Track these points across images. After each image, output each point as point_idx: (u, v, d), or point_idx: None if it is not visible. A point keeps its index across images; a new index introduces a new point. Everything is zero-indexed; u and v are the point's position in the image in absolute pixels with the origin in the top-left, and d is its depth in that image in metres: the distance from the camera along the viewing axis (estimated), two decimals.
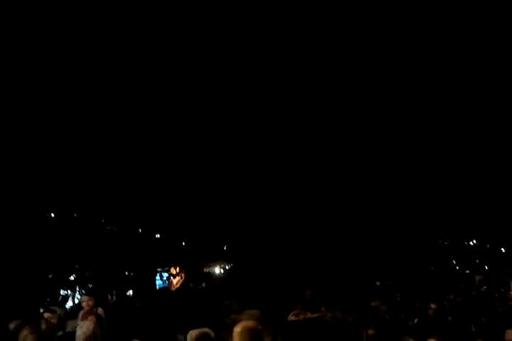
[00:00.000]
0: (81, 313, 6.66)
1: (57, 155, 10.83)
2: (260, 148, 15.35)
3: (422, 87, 13.72)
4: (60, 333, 5.80)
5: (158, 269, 19.14)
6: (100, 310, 6.99)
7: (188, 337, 4.05)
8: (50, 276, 12.53)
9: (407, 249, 19.49)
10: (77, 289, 14.35)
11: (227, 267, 25.87)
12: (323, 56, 12.54)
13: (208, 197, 16.78)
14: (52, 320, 5.81)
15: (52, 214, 12.11)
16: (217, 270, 26.60)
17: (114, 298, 12.07)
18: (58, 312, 6.36)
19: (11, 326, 5.53)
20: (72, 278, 13.75)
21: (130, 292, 14.95)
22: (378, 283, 15.46)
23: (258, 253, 20.09)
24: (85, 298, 7.40)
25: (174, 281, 19.89)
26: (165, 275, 20.14)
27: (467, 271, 23.76)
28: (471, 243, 29.71)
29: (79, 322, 5.87)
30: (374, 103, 14.27)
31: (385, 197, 16.96)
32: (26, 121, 10.20)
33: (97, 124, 11.55)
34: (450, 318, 6.72)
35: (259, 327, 3.66)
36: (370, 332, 4.90)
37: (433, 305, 7.65)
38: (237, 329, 3.63)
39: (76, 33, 9.05)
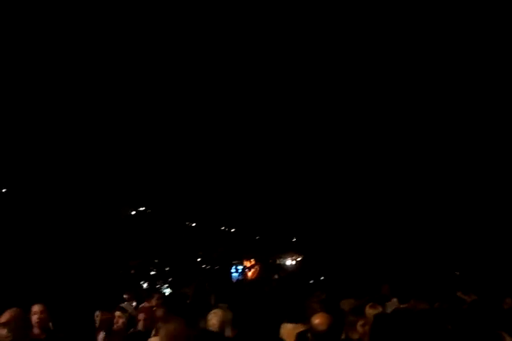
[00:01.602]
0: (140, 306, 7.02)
1: (135, 152, 11.24)
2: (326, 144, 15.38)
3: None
4: (131, 330, 5.94)
5: (234, 262, 19.57)
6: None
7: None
8: (132, 271, 13.10)
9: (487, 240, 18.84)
10: (157, 283, 14.96)
11: (298, 259, 26.05)
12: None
13: (280, 192, 16.93)
14: (120, 320, 5.92)
15: (133, 212, 12.63)
16: (289, 262, 26.86)
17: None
18: (129, 310, 6.37)
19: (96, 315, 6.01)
20: (152, 272, 14.32)
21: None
22: (458, 273, 15.10)
23: (330, 246, 20.05)
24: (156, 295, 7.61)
25: (249, 273, 20.28)
26: (240, 267, 20.58)
27: None
28: None
29: None
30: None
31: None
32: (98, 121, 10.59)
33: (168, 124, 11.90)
34: None
35: None
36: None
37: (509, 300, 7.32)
38: None
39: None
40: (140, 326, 5.68)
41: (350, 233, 18.97)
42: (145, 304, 7.31)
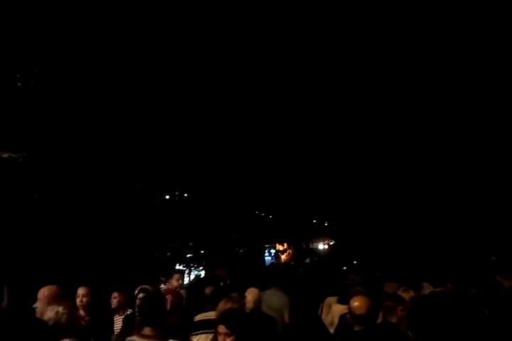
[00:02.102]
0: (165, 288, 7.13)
1: (171, 137, 11.40)
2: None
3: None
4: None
5: (266, 245, 19.76)
6: (183, 291, 7.43)
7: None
8: (168, 254, 13.38)
9: None
10: (193, 265, 15.26)
11: (331, 243, 26.10)
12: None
13: (312, 177, 16.98)
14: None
15: (167, 196, 12.85)
16: (321, 246, 26.96)
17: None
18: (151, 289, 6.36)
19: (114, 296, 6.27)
20: (188, 255, 14.60)
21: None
22: (494, 258, 14.88)
23: (363, 230, 20.01)
24: (177, 275, 7.58)
25: (282, 257, 20.47)
26: (272, 251, 20.79)
27: None
28: None
29: None
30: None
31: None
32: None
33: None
34: None
35: None
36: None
37: None
38: None
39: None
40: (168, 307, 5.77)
41: (382, 216, 18.88)
42: (167, 285, 7.49)
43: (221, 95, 12.33)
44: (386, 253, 17.04)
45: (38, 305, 4.72)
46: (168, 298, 5.99)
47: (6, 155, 8.02)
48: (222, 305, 4.67)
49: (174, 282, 7.32)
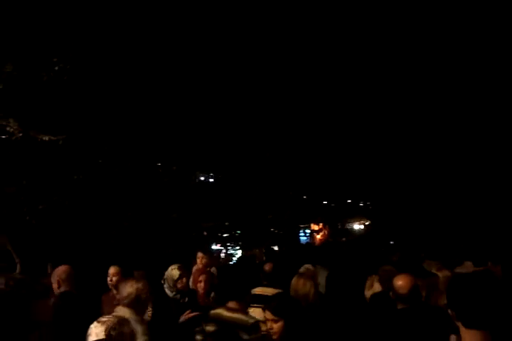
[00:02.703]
0: (193, 270, 6.93)
1: (209, 121, 11.47)
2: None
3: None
4: None
5: (301, 225, 19.82)
6: (213, 269, 7.29)
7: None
8: (205, 233, 13.59)
9: None
10: (229, 245, 15.47)
11: (366, 223, 25.97)
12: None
13: (346, 157, 16.87)
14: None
15: (202, 178, 12.99)
16: (357, 226, 26.86)
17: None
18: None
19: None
20: (224, 235, 14.79)
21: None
22: None
23: (399, 210, 19.82)
24: (200, 254, 7.26)
25: (317, 236, 20.51)
26: (308, 231, 20.85)
27: None
28: None
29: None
30: None
31: None
32: None
33: None
34: None
35: None
36: None
37: None
38: None
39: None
40: (200, 288, 5.79)
41: (420, 196, 18.63)
42: (198, 265, 7.28)
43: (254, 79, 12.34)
44: (424, 232, 16.86)
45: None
46: (202, 278, 5.91)
47: (46, 138, 8.21)
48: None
49: (199, 261, 7.14)
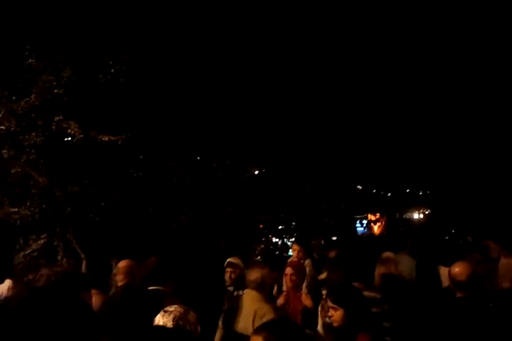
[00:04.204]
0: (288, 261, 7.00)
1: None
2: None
3: None
4: None
5: (357, 216, 19.63)
6: (308, 262, 7.10)
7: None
8: (261, 226, 13.71)
9: None
10: (285, 237, 15.54)
11: (426, 212, 25.41)
12: None
13: (404, 146, 16.62)
14: (232, 274, 6.15)
15: (256, 172, 13.11)
16: (416, 215, 26.33)
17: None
18: (239, 264, 6.35)
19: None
20: (280, 227, 14.87)
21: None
22: None
23: (460, 199, 19.27)
24: (296, 247, 7.36)
25: (375, 227, 20.26)
26: (364, 222, 20.63)
27: None
28: None
29: None
30: None
31: None
32: None
33: None
34: None
35: None
36: None
37: None
38: None
39: None
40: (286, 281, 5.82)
41: (480, 183, 18.09)
42: (292, 258, 7.25)
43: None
44: (487, 219, 16.37)
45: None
46: (289, 271, 5.94)
47: (106, 139, 8.53)
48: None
49: (294, 254, 7.23)
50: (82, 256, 9.03)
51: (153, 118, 9.49)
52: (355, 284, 4.71)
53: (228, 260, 6.43)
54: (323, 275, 5.43)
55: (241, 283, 5.88)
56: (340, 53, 12.70)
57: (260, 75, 11.60)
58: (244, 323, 4.34)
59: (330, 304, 3.78)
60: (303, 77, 12.72)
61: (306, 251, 7.45)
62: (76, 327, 1.29)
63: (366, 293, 4.58)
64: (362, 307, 3.80)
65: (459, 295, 3.98)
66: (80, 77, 8.56)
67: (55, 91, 8.39)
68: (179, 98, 9.73)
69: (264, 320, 4.02)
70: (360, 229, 20.41)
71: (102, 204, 8.98)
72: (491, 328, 3.70)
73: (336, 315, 3.73)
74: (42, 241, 9.14)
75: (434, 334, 3.89)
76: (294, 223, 14.77)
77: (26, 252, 9.00)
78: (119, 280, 4.79)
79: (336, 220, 15.24)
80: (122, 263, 4.91)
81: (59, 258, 9.01)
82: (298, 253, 7.19)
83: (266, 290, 4.74)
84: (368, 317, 3.84)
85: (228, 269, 6.22)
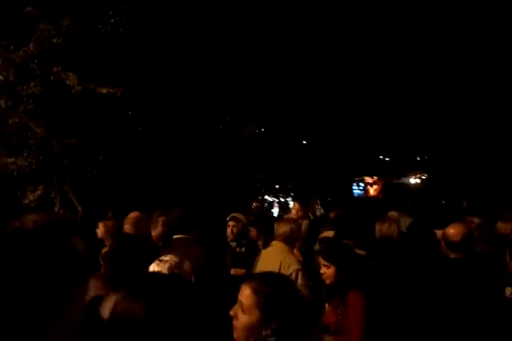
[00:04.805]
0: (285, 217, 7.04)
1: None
2: None
3: None
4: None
5: (356, 178, 19.67)
6: (306, 221, 7.17)
7: None
8: (258, 184, 13.75)
9: None
10: (281, 196, 15.65)
11: (423, 177, 25.44)
12: None
13: (401, 111, 16.51)
14: (234, 228, 6.20)
15: (258, 130, 13.02)
16: (413, 180, 26.37)
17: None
18: (242, 220, 6.46)
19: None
20: (276, 186, 14.94)
21: None
22: None
23: (457, 164, 19.30)
24: (296, 205, 7.50)
25: (371, 190, 20.37)
26: (361, 184, 20.70)
27: None
28: None
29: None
30: None
31: None
32: None
33: None
34: None
35: None
36: None
37: None
38: None
39: None
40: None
41: (477, 149, 18.12)
42: (290, 215, 7.31)
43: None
44: (482, 186, 16.49)
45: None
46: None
47: (104, 91, 8.41)
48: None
49: (294, 212, 7.33)
50: (79, 208, 9.08)
51: (153, 72, 9.32)
52: (347, 242, 4.73)
53: (232, 214, 6.49)
54: (324, 234, 5.54)
55: (243, 238, 6.09)
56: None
57: (262, 32, 11.33)
58: None
59: (322, 261, 3.82)
60: (303, 36, 12.47)
61: (305, 210, 7.55)
62: (64, 271, 1.27)
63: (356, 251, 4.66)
64: (353, 265, 3.85)
65: (452, 256, 4.01)
66: (79, 26, 8.35)
67: (54, 40, 8.21)
68: (180, 51, 9.51)
69: (290, 269, 4.48)
70: (357, 192, 20.52)
71: (100, 157, 8.96)
72: (481, 289, 3.76)
73: (328, 272, 3.78)
74: (39, 192, 9.16)
75: (424, 294, 3.94)
76: (291, 182, 14.81)
77: (24, 203, 9.04)
78: (127, 229, 4.83)
79: (333, 181, 15.26)
80: (132, 214, 4.94)
81: (56, 209, 9.04)
82: (297, 212, 7.27)
83: (293, 242, 5.07)
84: (360, 274, 3.89)
85: (231, 223, 6.26)
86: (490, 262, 4.06)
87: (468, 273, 3.82)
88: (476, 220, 5.43)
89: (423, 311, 3.85)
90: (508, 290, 3.68)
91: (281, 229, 4.95)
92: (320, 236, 5.52)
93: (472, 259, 3.94)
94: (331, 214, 6.80)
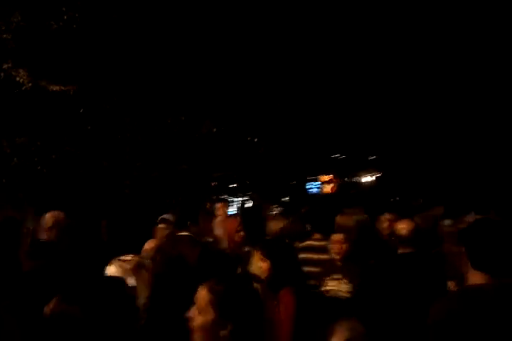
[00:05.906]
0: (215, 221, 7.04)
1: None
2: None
3: None
4: None
5: (310, 178, 19.97)
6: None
7: None
8: (214, 183, 13.78)
9: None
10: (239, 196, 15.71)
11: (376, 176, 26.03)
12: None
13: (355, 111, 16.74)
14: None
15: (215, 129, 12.99)
16: (365, 179, 26.96)
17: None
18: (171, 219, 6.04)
19: None
20: (234, 185, 15.00)
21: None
22: None
23: (409, 163, 19.81)
24: (219, 204, 7.64)
25: (327, 188, 20.76)
26: (316, 183, 21.05)
27: None
28: None
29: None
30: None
31: None
32: None
33: None
34: None
35: None
36: None
37: None
38: None
39: None
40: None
41: (427, 148, 18.59)
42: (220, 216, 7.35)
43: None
44: (434, 183, 16.94)
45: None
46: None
47: (56, 88, 8.25)
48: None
49: (220, 212, 7.36)
50: (29, 209, 8.86)
51: (107, 70, 9.17)
52: (317, 235, 5.17)
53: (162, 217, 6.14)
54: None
55: None
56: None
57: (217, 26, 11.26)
58: None
59: (259, 255, 3.97)
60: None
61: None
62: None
63: (316, 243, 5.05)
64: (289, 262, 4.01)
65: (401, 250, 4.15)
66: (31, 23, 8.15)
67: (4, 36, 8.00)
68: (135, 49, 9.39)
69: None
70: (314, 190, 20.86)
71: (53, 156, 8.78)
72: (425, 282, 3.91)
73: (264, 266, 3.92)
74: None
75: (375, 286, 4.07)
76: (247, 181, 14.90)
77: None
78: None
79: (289, 180, 15.46)
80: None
81: (5, 209, 8.79)
82: (223, 210, 7.54)
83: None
84: (296, 272, 4.07)
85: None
86: (435, 256, 4.23)
87: (413, 267, 3.97)
88: (391, 217, 5.52)
89: (370, 304, 3.97)
90: (451, 284, 3.86)
91: (274, 226, 5.22)
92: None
93: (419, 254, 4.09)
94: (303, 210, 6.98)
